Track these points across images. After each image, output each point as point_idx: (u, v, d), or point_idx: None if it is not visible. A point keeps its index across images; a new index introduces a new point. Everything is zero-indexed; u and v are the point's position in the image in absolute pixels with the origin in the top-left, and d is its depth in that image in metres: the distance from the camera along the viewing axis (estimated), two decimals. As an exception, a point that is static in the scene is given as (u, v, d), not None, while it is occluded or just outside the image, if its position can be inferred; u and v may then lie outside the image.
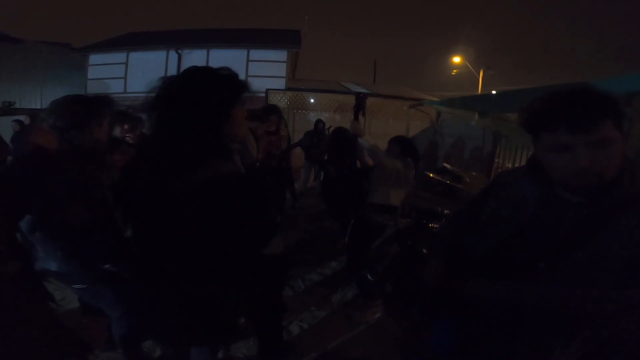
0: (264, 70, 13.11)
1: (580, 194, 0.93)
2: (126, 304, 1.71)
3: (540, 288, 0.93)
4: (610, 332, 0.89)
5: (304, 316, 2.76)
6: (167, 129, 1.07)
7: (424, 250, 2.92)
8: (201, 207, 1.02)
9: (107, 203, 1.62)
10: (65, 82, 14.70)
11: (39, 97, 14.52)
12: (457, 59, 18.78)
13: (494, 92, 7.17)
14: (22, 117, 6.74)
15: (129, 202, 1.19)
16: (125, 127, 2.71)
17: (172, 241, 1.07)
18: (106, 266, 1.63)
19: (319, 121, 6.30)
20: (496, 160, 6.25)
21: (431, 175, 4.94)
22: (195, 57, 13.03)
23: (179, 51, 13.18)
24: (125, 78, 13.04)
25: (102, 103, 1.78)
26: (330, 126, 5.75)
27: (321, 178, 5.71)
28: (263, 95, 12.09)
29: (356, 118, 2.65)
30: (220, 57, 13.02)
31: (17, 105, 12.11)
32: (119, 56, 13.52)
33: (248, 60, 13.26)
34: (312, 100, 12.54)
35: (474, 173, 5.23)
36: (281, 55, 13.40)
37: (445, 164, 5.10)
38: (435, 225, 3.04)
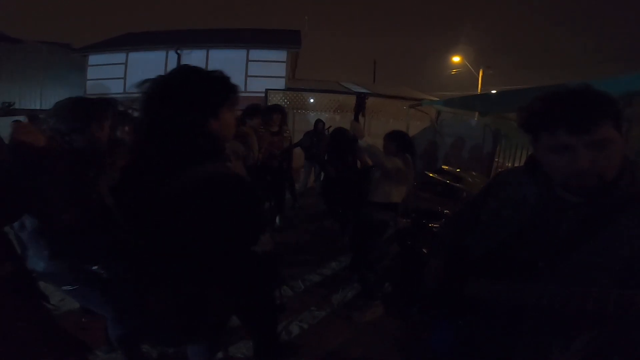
0: (263, 70, 13.12)
1: (580, 194, 0.93)
2: (118, 305, 1.70)
3: (540, 288, 0.93)
4: (611, 332, 0.89)
5: (304, 316, 2.75)
6: (154, 128, 1.08)
7: (424, 250, 2.92)
8: (189, 206, 1.02)
9: (102, 204, 1.61)
10: (64, 83, 14.70)
11: (38, 97, 14.52)
12: (456, 59, 18.79)
13: (493, 91, 7.16)
14: (21, 118, 6.74)
15: (120, 202, 1.20)
16: (127, 128, 2.71)
17: (161, 240, 1.07)
18: (94, 268, 1.63)
19: (318, 121, 6.30)
20: (496, 159, 6.26)
21: (431, 175, 4.94)
22: (194, 57, 13.02)
23: (179, 51, 13.19)
24: (124, 78, 13.03)
25: (103, 105, 1.78)
26: (330, 126, 5.75)
27: (321, 178, 5.72)
28: (262, 95, 12.09)
29: (356, 119, 2.65)
30: (220, 57, 13.04)
31: (16, 106, 12.08)
32: (119, 56, 13.53)
33: (248, 60, 13.27)
34: (311, 101, 12.54)
35: (473, 173, 5.24)
36: (281, 55, 13.40)
37: (444, 167, 5.10)
38: (435, 225, 3.04)
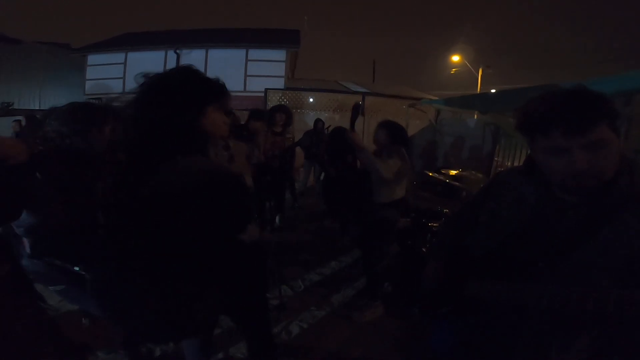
0: (263, 70, 13.11)
1: (578, 194, 0.93)
2: (106, 304, 1.70)
3: (540, 288, 0.93)
4: (611, 332, 0.89)
5: (303, 316, 2.75)
6: (142, 123, 1.12)
7: (424, 250, 2.93)
8: (171, 197, 1.05)
9: (92, 205, 1.61)
10: (64, 83, 14.71)
11: (37, 97, 14.52)
12: (456, 58, 18.77)
13: (492, 91, 7.17)
14: (21, 118, 6.75)
15: (109, 199, 1.21)
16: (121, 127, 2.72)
17: (146, 233, 1.09)
18: (76, 268, 1.62)
19: (318, 120, 6.30)
20: (496, 159, 6.26)
21: (431, 174, 4.95)
22: (194, 57, 13.01)
23: (178, 51, 13.17)
24: (124, 78, 13.01)
25: (104, 110, 1.80)
26: (330, 125, 5.75)
27: (321, 178, 5.72)
28: (262, 94, 12.09)
29: (352, 127, 2.61)
30: (219, 57, 13.03)
31: (15, 106, 12.11)
32: (118, 56, 13.51)
33: (247, 60, 13.26)
34: (311, 100, 12.54)
35: (473, 172, 5.24)
36: (280, 54, 13.39)
37: (442, 170, 5.10)
38: (434, 225, 3.04)
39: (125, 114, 1.19)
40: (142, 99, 1.13)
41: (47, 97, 14.73)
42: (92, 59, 13.91)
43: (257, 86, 12.63)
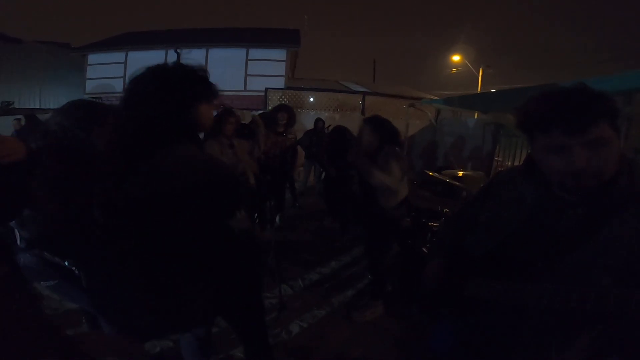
0: (263, 70, 13.12)
1: (577, 193, 0.93)
2: (96, 299, 1.69)
3: (539, 287, 0.93)
4: (611, 332, 0.89)
5: (303, 316, 2.75)
6: (134, 115, 1.18)
7: (424, 250, 2.92)
8: (158, 184, 1.08)
9: (87, 200, 1.60)
10: (64, 82, 14.72)
11: (37, 96, 14.53)
12: (456, 58, 18.76)
13: (493, 91, 7.17)
14: (21, 117, 6.76)
15: (103, 191, 1.23)
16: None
17: (137, 221, 1.11)
18: (66, 263, 1.61)
19: (318, 120, 6.30)
20: (496, 158, 6.26)
21: (431, 174, 4.94)
22: (194, 56, 12.86)
23: (178, 50, 13.16)
24: (124, 77, 13.00)
25: (105, 109, 1.80)
26: (330, 125, 5.75)
27: (322, 177, 5.72)
28: (262, 94, 12.09)
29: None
30: (220, 57, 13.03)
31: (15, 105, 12.11)
32: (118, 56, 13.51)
33: (247, 60, 13.27)
34: (311, 99, 12.56)
35: (473, 172, 5.24)
36: (280, 54, 13.39)
37: (442, 173, 5.08)
38: (435, 224, 3.04)
39: (119, 105, 1.25)
40: (135, 91, 1.19)
41: (47, 96, 14.74)
42: (92, 58, 13.92)
43: (257, 86, 12.65)
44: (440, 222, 3.04)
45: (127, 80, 1.37)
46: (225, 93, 11.68)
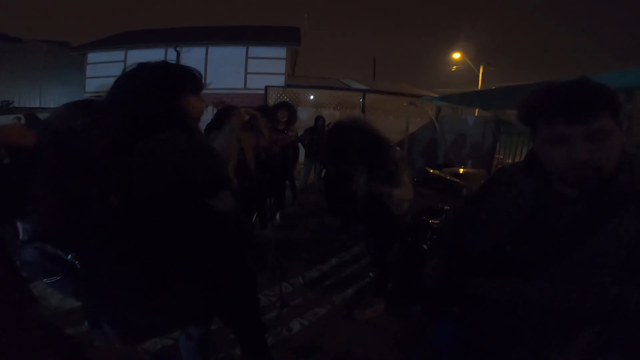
0: (263, 67, 13.10)
1: (579, 187, 0.92)
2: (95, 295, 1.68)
3: (540, 285, 0.93)
4: (611, 329, 0.89)
5: (304, 313, 2.76)
6: (125, 108, 1.22)
7: (424, 247, 2.92)
8: (149, 166, 1.12)
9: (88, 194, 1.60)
10: (63, 81, 14.70)
11: (37, 95, 14.52)
12: (456, 56, 18.73)
13: (493, 88, 7.15)
14: (21, 116, 6.76)
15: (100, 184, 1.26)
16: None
17: (126, 205, 1.13)
18: (69, 257, 1.61)
19: (318, 118, 6.29)
20: (497, 156, 6.26)
21: (431, 171, 4.94)
22: (194, 55, 12.99)
23: (178, 49, 13.14)
24: (124, 76, 12.99)
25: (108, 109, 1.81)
26: (330, 123, 5.74)
27: (322, 175, 5.71)
28: (262, 92, 12.08)
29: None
30: (220, 55, 13.01)
31: (15, 104, 12.12)
32: (118, 54, 13.48)
33: (247, 58, 13.24)
34: (311, 97, 12.54)
35: (473, 169, 5.24)
36: (280, 52, 13.36)
37: (442, 171, 5.09)
38: (435, 222, 3.03)
39: (105, 101, 1.29)
40: (120, 86, 1.27)
41: (47, 95, 14.73)
42: (92, 57, 13.89)
43: (257, 84, 12.63)
44: (440, 220, 3.04)
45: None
46: (225, 91, 11.72)
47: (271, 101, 11.50)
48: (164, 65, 1.32)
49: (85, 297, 1.63)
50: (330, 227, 4.85)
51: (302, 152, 6.17)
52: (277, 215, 4.80)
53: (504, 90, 5.30)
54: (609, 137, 0.85)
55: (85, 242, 1.34)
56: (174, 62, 1.37)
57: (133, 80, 1.27)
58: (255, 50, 13.29)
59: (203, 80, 1.40)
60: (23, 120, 6.38)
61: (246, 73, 13.17)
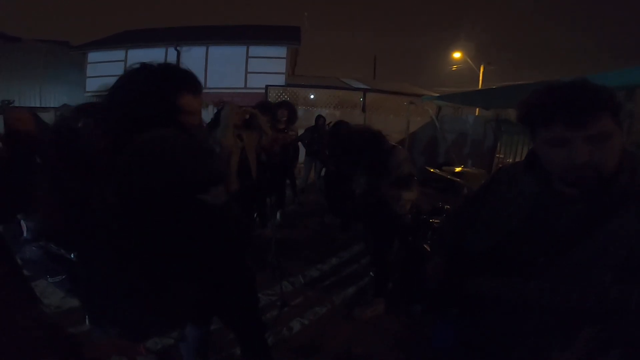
0: (263, 67, 13.08)
1: (579, 187, 0.92)
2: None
3: (540, 284, 0.92)
4: (611, 328, 0.89)
5: (304, 313, 2.76)
6: (120, 110, 1.24)
7: (425, 246, 2.92)
8: (135, 165, 1.11)
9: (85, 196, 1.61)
10: (64, 80, 14.69)
11: (38, 95, 14.52)
12: (457, 55, 18.72)
13: (494, 87, 7.15)
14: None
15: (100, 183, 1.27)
16: None
17: (120, 201, 1.14)
18: (72, 256, 1.61)
19: (319, 117, 6.28)
20: (497, 155, 6.26)
21: (432, 170, 4.94)
22: (194, 54, 12.99)
23: (178, 48, 13.13)
24: (124, 75, 12.97)
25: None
26: (331, 122, 5.74)
27: (322, 174, 5.71)
28: (263, 91, 12.07)
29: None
30: (220, 54, 13.01)
31: (16, 104, 12.08)
32: (118, 54, 13.47)
33: (248, 57, 13.22)
34: (312, 97, 12.53)
35: (474, 169, 5.23)
36: (281, 51, 13.34)
37: (442, 170, 5.08)
38: (436, 221, 3.03)
39: (108, 98, 1.31)
40: (119, 86, 1.28)
41: (47, 94, 14.72)
42: (92, 56, 13.89)
43: (257, 83, 12.62)
44: (441, 219, 3.04)
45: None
46: (226, 90, 11.72)
47: (272, 100, 11.48)
48: (162, 66, 1.33)
49: (84, 296, 1.63)
50: (330, 227, 4.85)
51: (302, 151, 6.17)
52: (278, 214, 4.80)
53: (504, 89, 5.29)
54: (609, 138, 0.85)
55: (84, 241, 1.35)
56: (174, 62, 1.36)
57: (130, 81, 1.29)
58: (255, 50, 13.27)
59: (200, 81, 1.41)
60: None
61: (246, 72, 13.16)
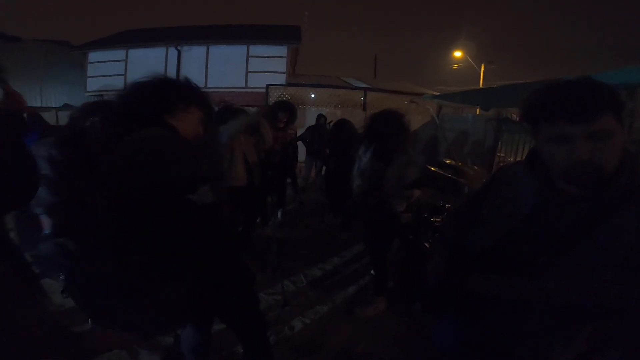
0: (264, 66, 13.08)
1: (580, 186, 0.92)
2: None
3: (541, 283, 0.92)
4: (612, 327, 0.89)
5: (306, 312, 2.76)
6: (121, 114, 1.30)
7: (426, 245, 2.92)
8: (130, 162, 1.15)
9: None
10: (64, 80, 14.71)
11: (38, 95, 14.53)
12: (458, 54, 18.69)
13: (495, 86, 7.14)
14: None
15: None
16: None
17: (111, 201, 1.16)
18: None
19: (320, 116, 6.29)
20: (498, 154, 6.24)
21: (433, 169, 4.93)
22: (194, 54, 12.99)
23: (179, 48, 13.14)
24: (125, 75, 12.98)
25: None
26: (331, 121, 5.74)
27: (322, 173, 5.72)
28: (263, 90, 12.07)
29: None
30: (220, 53, 13.01)
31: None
32: (119, 53, 13.48)
33: (248, 56, 13.22)
34: (312, 96, 12.53)
35: (475, 167, 5.22)
36: (281, 50, 13.35)
37: (446, 160, 5.07)
38: (437, 220, 3.03)
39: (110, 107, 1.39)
40: (127, 93, 1.34)
41: (48, 94, 14.75)
42: (92, 56, 13.89)
43: (258, 82, 12.62)
44: (442, 218, 3.04)
45: (127, 77, 1.46)
46: (226, 90, 11.72)
47: (272, 100, 11.48)
48: (165, 77, 1.40)
49: (78, 296, 1.64)
50: (331, 225, 4.86)
51: (303, 150, 6.18)
52: (278, 213, 4.80)
53: (505, 88, 5.28)
54: (611, 136, 0.85)
55: (82, 241, 1.36)
56: (174, 62, 1.40)
57: (134, 88, 1.35)
58: (256, 49, 13.27)
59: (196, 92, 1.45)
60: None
61: (247, 72, 13.16)
